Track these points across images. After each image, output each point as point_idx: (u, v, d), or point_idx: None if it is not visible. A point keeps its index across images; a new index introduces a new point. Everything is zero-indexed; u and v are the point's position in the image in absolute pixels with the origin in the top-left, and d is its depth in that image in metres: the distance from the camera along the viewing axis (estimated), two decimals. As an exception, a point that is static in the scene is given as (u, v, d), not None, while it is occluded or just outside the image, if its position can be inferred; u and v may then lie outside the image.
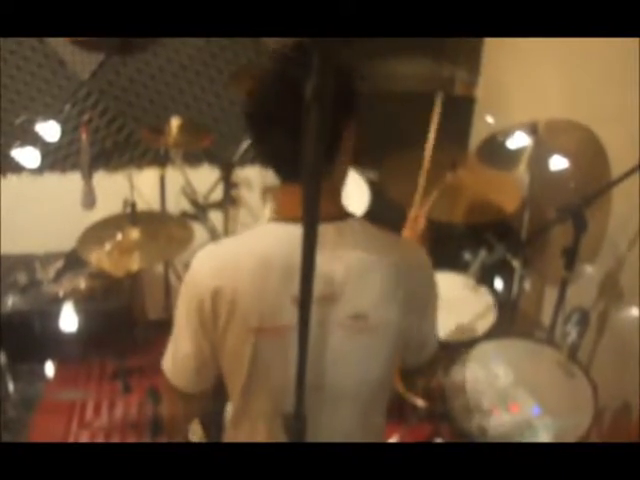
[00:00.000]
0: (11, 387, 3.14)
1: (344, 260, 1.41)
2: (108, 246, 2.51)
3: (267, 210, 3.23)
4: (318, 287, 0.98)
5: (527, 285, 2.81)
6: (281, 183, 1.48)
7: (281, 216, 1.48)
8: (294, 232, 1.34)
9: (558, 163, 2.58)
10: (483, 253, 2.65)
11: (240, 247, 1.48)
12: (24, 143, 2.84)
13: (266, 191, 3.61)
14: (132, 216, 2.54)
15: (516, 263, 2.76)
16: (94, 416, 3.34)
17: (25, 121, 2.84)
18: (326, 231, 1.34)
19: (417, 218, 2.14)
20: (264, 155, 1.45)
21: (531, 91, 3.11)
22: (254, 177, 3.71)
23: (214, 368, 1.56)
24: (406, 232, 2.12)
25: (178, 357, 1.55)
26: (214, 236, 3.06)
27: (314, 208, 0.92)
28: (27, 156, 2.85)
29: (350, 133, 1.42)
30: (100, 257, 2.49)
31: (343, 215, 1.48)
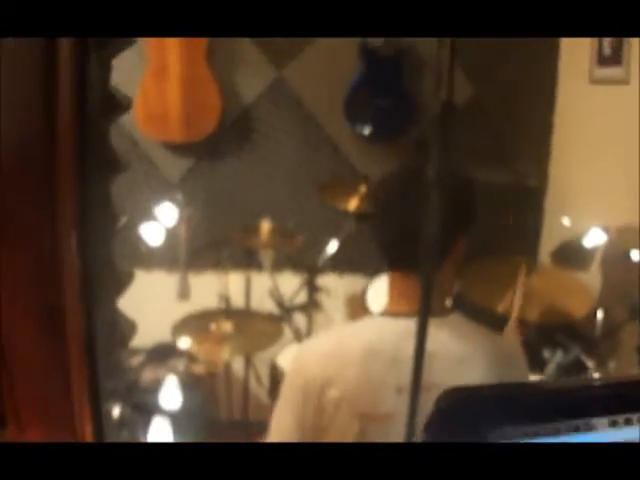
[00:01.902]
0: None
1: (443, 353, 1.47)
2: (202, 336, 2.68)
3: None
4: None
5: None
6: (391, 274, 1.60)
7: (387, 309, 1.59)
8: (399, 325, 1.47)
9: (629, 264, 2.68)
10: (559, 354, 2.74)
11: (347, 338, 1.57)
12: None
13: (347, 299, 3.72)
14: (227, 309, 2.73)
15: (590, 363, 2.83)
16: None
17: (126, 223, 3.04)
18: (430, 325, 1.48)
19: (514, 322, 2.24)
20: (383, 242, 1.59)
21: (598, 193, 3.23)
22: (333, 284, 3.86)
23: None
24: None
25: (280, 437, 1.57)
26: (298, 338, 3.19)
27: (428, 295, 1.00)
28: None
29: (463, 243, 1.56)
30: (194, 344, 2.66)
31: (445, 311, 1.59)
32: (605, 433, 0.60)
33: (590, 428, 0.59)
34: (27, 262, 0.70)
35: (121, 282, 0.86)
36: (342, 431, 1.51)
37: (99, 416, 0.83)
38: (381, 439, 1.47)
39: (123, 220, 0.89)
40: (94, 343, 0.77)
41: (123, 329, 0.91)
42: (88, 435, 0.82)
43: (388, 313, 1.59)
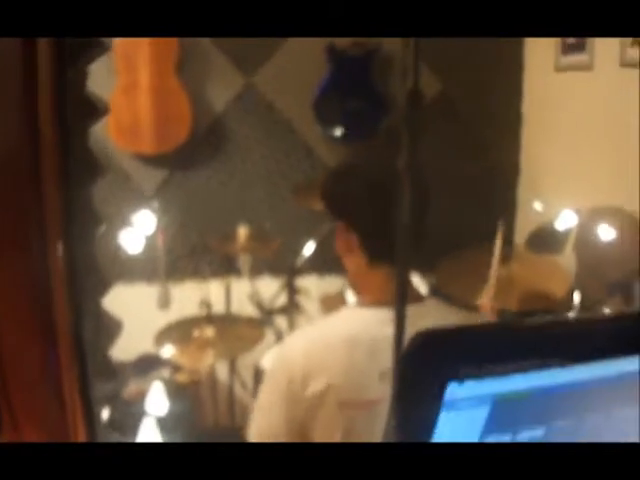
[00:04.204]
0: None
1: None
2: (185, 343, 2.70)
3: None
4: None
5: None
6: (368, 265, 1.63)
7: (364, 300, 1.64)
8: (376, 314, 1.50)
9: (601, 244, 2.72)
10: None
11: (328, 329, 1.62)
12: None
13: (326, 299, 3.74)
14: (208, 315, 2.74)
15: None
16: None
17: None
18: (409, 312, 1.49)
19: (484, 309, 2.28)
20: (358, 233, 1.62)
21: (568, 177, 3.28)
22: (311, 286, 3.87)
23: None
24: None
25: (267, 433, 1.57)
26: (280, 340, 3.19)
27: (404, 282, 1.02)
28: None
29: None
30: (177, 352, 2.67)
31: (420, 297, 1.63)
32: (573, 370, 0.63)
33: (557, 365, 0.61)
34: (17, 268, 0.72)
35: (105, 283, 0.88)
36: (328, 422, 1.53)
37: (91, 416, 0.85)
38: (367, 426, 1.49)
39: (102, 228, 0.90)
40: (82, 342, 0.78)
41: (109, 326, 0.93)
42: (81, 436, 0.84)
43: (364, 303, 1.63)
